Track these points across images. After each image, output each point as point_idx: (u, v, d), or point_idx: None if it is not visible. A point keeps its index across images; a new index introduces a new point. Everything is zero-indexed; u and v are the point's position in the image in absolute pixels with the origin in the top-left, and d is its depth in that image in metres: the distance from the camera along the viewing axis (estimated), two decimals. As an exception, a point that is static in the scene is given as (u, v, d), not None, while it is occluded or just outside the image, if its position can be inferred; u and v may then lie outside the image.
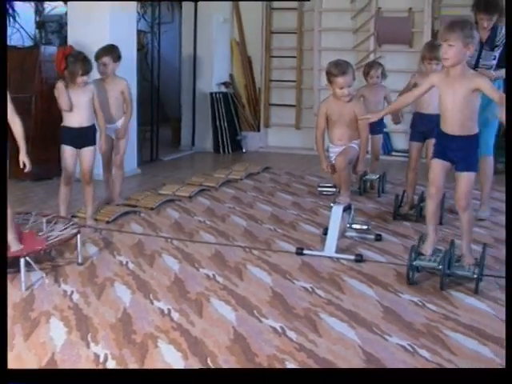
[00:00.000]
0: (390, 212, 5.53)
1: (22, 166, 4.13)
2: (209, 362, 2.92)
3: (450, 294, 3.78)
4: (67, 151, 5.00)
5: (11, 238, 3.90)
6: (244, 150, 9.41)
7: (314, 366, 2.91)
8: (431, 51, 5.05)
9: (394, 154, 8.78)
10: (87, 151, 5.06)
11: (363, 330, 3.28)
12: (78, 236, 4.23)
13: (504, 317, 3.41)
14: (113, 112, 5.47)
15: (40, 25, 8.70)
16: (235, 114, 9.45)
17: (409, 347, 3.10)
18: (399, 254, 4.52)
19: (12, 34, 8.00)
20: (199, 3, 9.11)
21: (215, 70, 9.36)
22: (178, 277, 4.04)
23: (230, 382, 2.62)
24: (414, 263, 3.93)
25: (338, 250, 4.49)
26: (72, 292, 3.75)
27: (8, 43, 6.53)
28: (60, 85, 4.90)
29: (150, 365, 2.90)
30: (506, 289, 3.26)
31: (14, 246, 3.90)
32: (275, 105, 9.60)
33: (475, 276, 3.81)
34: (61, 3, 8.32)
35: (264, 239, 4.89)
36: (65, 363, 2.89)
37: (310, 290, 3.84)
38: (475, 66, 5.04)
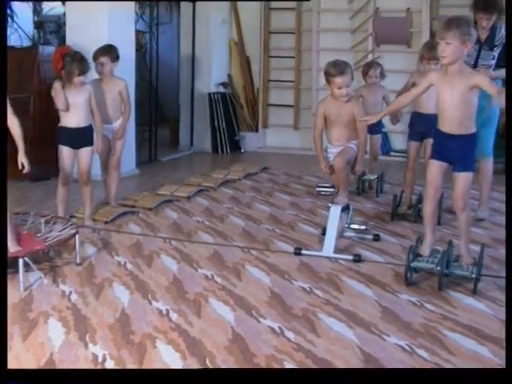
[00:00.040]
0: (389, 212, 5.53)
1: (20, 167, 4.13)
2: (207, 362, 2.93)
3: (449, 294, 3.78)
4: (64, 151, 5.00)
5: (9, 239, 3.90)
6: (242, 151, 9.41)
7: (313, 366, 2.91)
8: (430, 51, 5.05)
9: (392, 154, 8.77)
10: (84, 152, 5.06)
11: (361, 330, 3.28)
12: (77, 236, 4.23)
13: (502, 317, 3.42)
14: (110, 112, 5.46)
15: (38, 25, 8.68)
16: (233, 115, 9.45)
17: (407, 347, 3.10)
18: (397, 254, 4.52)
19: (10, 34, 7.98)
20: (197, 3, 9.12)
21: (213, 71, 9.36)
22: (177, 277, 4.04)
23: (228, 382, 2.62)
24: (412, 264, 3.93)
25: (337, 250, 4.49)
26: (70, 292, 3.75)
27: (6, 43, 6.51)
28: (57, 85, 4.90)
29: (148, 365, 2.90)
30: (506, 289, 3.25)
31: (12, 247, 3.90)
32: (273, 105, 9.59)
33: (473, 276, 3.81)
34: (59, 3, 8.31)
35: (262, 239, 4.89)
36: (63, 363, 2.89)
37: (308, 290, 3.85)
38: (474, 66, 5.04)
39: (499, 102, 3.65)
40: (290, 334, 3.22)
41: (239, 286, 3.91)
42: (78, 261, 4.23)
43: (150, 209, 5.70)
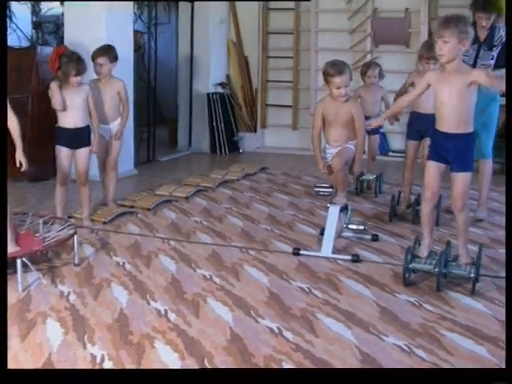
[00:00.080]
0: (387, 212, 5.53)
1: (18, 165, 4.12)
2: (205, 362, 2.93)
3: (447, 294, 3.78)
4: (62, 152, 5.00)
5: (8, 238, 3.89)
6: (241, 151, 9.42)
7: (311, 366, 2.91)
8: (429, 51, 5.05)
9: (390, 154, 8.78)
10: (82, 152, 5.05)
11: (360, 331, 3.28)
12: (75, 237, 4.23)
13: (501, 317, 3.43)
14: (108, 113, 5.45)
15: (36, 25, 8.69)
16: (232, 115, 9.45)
17: (405, 347, 3.10)
18: (396, 254, 4.52)
19: (8, 34, 7.98)
20: (196, 4, 9.12)
21: (212, 71, 9.36)
22: (175, 277, 4.04)
23: (226, 383, 2.62)
24: (410, 266, 3.92)
25: (335, 250, 4.49)
26: (69, 293, 3.75)
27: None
28: (53, 85, 4.90)
29: (146, 365, 2.90)
30: (506, 290, 3.25)
31: (10, 247, 3.89)
32: (272, 105, 9.59)
33: (472, 275, 3.81)
34: (57, 4, 8.31)
35: (261, 239, 4.89)
36: (61, 364, 2.89)
37: (307, 290, 3.85)
38: (473, 66, 5.03)
39: (499, 87, 3.64)
40: (288, 334, 3.22)
41: (237, 286, 3.91)
42: (76, 261, 4.23)
43: (148, 209, 5.69)
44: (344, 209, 4.78)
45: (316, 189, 5.24)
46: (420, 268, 3.96)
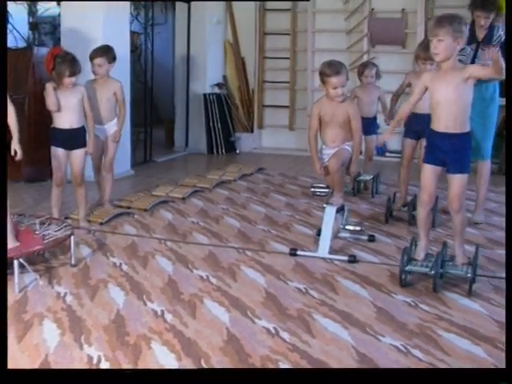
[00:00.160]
0: (384, 213, 5.53)
1: (13, 153, 4.12)
2: (202, 363, 2.92)
3: (444, 294, 3.79)
4: (58, 153, 4.99)
5: (8, 231, 3.89)
6: (238, 151, 9.41)
7: (308, 366, 2.91)
8: (425, 51, 5.02)
9: (387, 154, 8.75)
10: (77, 153, 5.04)
11: (356, 331, 3.29)
12: (72, 237, 4.23)
13: (497, 317, 3.44)
14: (104, 113, 5.43)
15: (33, 26, 8.69)
16: (229, 115, 9.45)
17: (402, 347, 3.10)
18: (392, 254, 4.53)
19: (5, 35, 7.99)
20: (192, 4, 9.11)
21: (209, 72, 9.35)
22: (172, 278, 4.04)
23: (223, 383, 2.62)
24: (407, 268, 3.92)
25: (332, 250, 4.49)
26: (65, 294, 3.75)
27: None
28: (48, 86, 4.89)
29: (143, 366, 2.90)
30: (507, 292, 3.25)
31: (10, 242, 3.88)
32: (269, 106, 9.59)
33: (468, 275, 3.81)
34: (54, 4, 8.31)
35: (257, 240, 4.89)
36: (58, 365, 2.89)
37: (304, 290, 3.85)
38: None
39: (500, 73, 3.62)
40: (285, 335, 3.22)
41: (234, 286, 3.91)
42: (73, 262, 4.23)
43: (145, 210, 5.69)
44: (341, 209, 4.78)
45: (312, 189, 5.25)
46: (416, 270, 3.96)
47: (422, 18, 8.42)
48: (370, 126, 6.19)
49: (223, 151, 9.26)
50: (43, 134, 6.23)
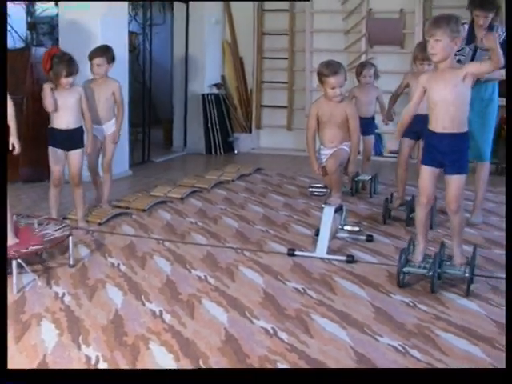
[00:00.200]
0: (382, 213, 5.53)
1: (11, 148, 4.12)
2: (200, 363, 2.93)
3: (442, 294, 3.79)
4: (55, 153, 4.99)
5: (8, 229, 3.88)
6: (236, 152, 9.41)
7: (306, 366, 2.91)
8: (423, 51, 5.00)
9: (385, 154, 8.75)
10: (75, 154, 5.04)
11: (355, 331, 3.29)
12: (70, 238, 4.22)
13: (495, 317, 3.44)
14: (102, 113, 5.42)
15: (31, 26, 8.67)
16: (227, 116, 9.45)
17: (400, 347, 3.10)
18: (390, 254, 4.53)
19: (3, 35, 7.97)
20: (191, 4, 9.11)
21: (207, 72, 9.36)
22: (170, 278, 4.04)
23: (221, 383, 2.62)
24: (404, 270, 3.91)
25: (330, 250, 4.50)
26: (63, 294, 3.75)
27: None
28: (46, 86, 4.89)
29: (141, 367, 2.90)
30: (506, 292, 3.26)
31: (10, 239, 3.88)
32: (267, 106, 9.60)
33: (466, 275, 3.81)
34: (52, 4, 8.29)
35: (256, 240, 4.89)
36: (56, 365, 2.89)
37: (302, 290, 3.85)
38: None
39: (498, 62, 3.61)
40: (283, 335, 3.22)
41: (232, 287, 3.91)
42: (71, 262, 4.22)
43: (143, 210, 5.69)
44: (339, 209, 4.78)
45: (310, 189, 5.23)
46: (414, 272, 3.96)
47: (420, 19, 8.42)
48: (368, 126, 6.19)
49: (221, 151, 9.27)
50: (41, 134, 6.23)
